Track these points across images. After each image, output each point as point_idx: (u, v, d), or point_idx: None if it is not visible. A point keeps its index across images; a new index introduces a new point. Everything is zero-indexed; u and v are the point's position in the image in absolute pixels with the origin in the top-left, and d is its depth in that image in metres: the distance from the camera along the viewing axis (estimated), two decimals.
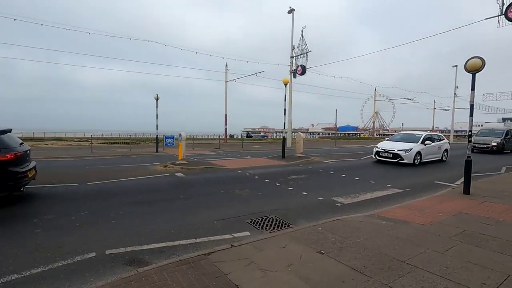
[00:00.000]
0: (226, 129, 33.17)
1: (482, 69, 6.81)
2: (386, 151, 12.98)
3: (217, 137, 41.23)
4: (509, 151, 20.51)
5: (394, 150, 12.61)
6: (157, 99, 17.32)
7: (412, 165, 12.39)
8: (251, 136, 62.13)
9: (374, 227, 4.57)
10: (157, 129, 17.90)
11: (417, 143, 12.91)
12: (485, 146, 19.45)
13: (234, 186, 7.68)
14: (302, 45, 24.80)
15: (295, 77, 25.49)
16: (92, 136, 21.70)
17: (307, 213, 5.54)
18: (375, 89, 51.41)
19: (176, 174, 9.18)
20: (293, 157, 13.88)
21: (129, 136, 26.12)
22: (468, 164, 7.05)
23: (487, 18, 12.61)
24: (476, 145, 19.61)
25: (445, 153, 14.83)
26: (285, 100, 13.51)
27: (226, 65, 32.01)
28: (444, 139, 15.18)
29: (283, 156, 13.65)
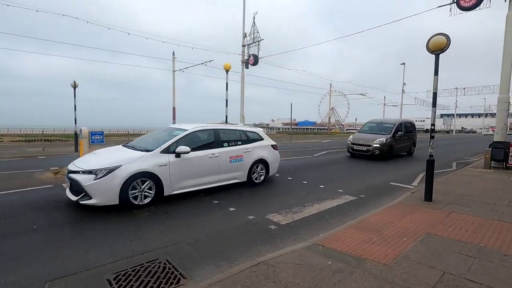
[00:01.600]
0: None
1: (447, 48, 5.54)
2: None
3: None
4: (403, 154, 14.02)
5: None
6: (74, 86, 14.21)
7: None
8: None
9: (313, 277, 2.87)
10: (75, 123, 14.78)
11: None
12: (364, 148, 12.00)
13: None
14: (254, 33, 23.02)
15: (247, 67, 23.67)
16: (7, 132, 17.68)
17: (224, 247, 3.69)
18: (330, 84, 52.01)
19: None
20: None
21: (53, 132, 22.11)
22: (430, 165, 5.81)
23: (439, 6, 11.92)
24: (355, 147, 12.47)
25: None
26: (226, 89, 11.57)
27: (173, 53, 29.08)
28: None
29: None
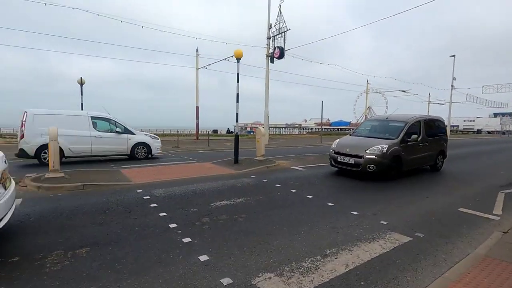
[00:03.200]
0: (197, 124, 29.13)
1: None
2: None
3: (192, 133, 37.21)
4: (415, 167, 9.13)
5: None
6: (81, 83, 13.23)
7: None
8: (231, 132, 58.16)
9: None
10: None
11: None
12: (351, 161, 7.99)
13: (83, 231, 3.81)
14: (280, 23, 20.84)
15: (272, 61, 21.56)
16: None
17: None
18: (367, 81, 47.78)
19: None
20: (250, 162, 10.03)
21: None
22: None
23: None
24: (338, 158, 8.37)
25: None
26: (237, 81, 9.61)
27: (197, 50, 27.90)
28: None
29: (236, 161, 9.79)
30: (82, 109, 13.39)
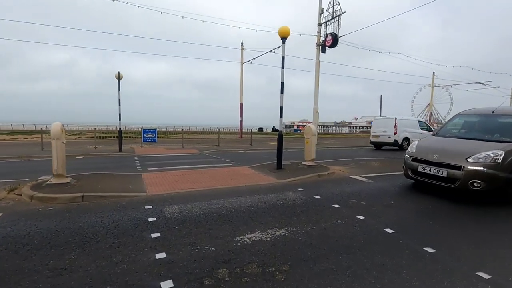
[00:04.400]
0: (241, 122, 27.92)
1: None
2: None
3: (237, 131, 36.28)
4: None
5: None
6: (119, 78, 12.61)
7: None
8: (277, 130, 56.12)
9: None
10: (119, 119, 13.23)
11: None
12: (443, 173, 5.47)
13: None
14: (333, 5, 18.30)
15: (323, 51, 19.14)
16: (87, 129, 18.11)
17: None
18: (434, 72, 41.75)
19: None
20: (297, 168, 8.06)
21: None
22: None
23: None
24: (420, 168, 5.88)
25: None
26: (282, 67, 7.69)
27: (242, 43, 26.61)
28: None
29: (279, 166, 7.89)
30: (119, 105, 12.80)
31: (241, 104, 27.44)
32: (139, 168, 8.45)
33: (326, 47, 18.81)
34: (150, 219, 4.07)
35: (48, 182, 5.41)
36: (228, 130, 39.75)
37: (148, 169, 8.27)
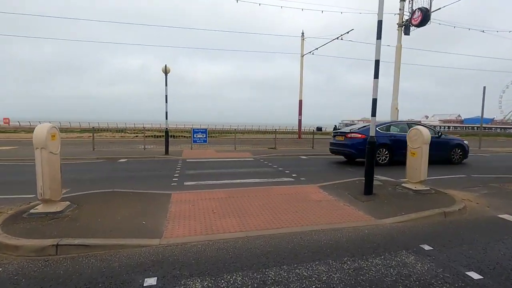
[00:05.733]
0: (300, 120, 25.22)
1: None
2: None
3: (295, 130, 33.63)
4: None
5: None
6: (165, 72, 11.21)
7: None
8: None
9: None
10: (166, 118, 11.86)
11: None
12: None
13: None
14: None
15: (407, 32, 15.33)
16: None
17: None
18: None
19: None
20: (396, 195, 5.23)
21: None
22: None
23: None
24: None
25: None
26: (378, 37, 4.92)
27: (303, 33, 23.84)
28: None
29: (368, 191, 5.12)
30: (166, 102, 11.45)
31: (300, 101, 24.73)
32: (175, 180, 6.64)
33: (412, 27, 14.98)
34: None
35: (33, 210, 3.76)
36: (284, 129, 37.31)
37: (185, 183, 6.39)
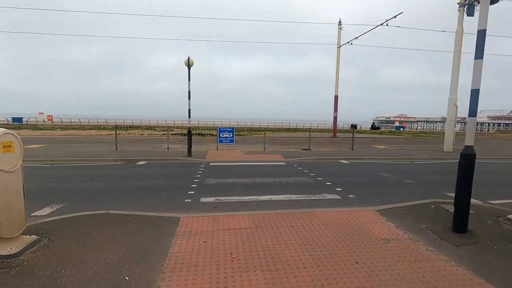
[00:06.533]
0: (335, 118, 23.18)
1: None
2: None
3: (328, 127, 31.49)
4: None
5: None
6: (188, 65, 10.10)
7: None
8: (377, 128, 47.46)
9: None
10: (189, 117, 10.77)
11: None
12: None
13: None
14: None
15: (470, 13, 12.82)
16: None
17: None
18: None
19: None
20: (505, 235, 3.53)
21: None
22: None
23: None
24: None
25: None
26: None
27: (340, 22, 21.71)
28: None
29: (461, 228, 3.47)
30: (189, 98, 10.37)
31: (336, 97, 22.69)
32: (191, 194, 5.44)
33: (477, 6, 12.45)
34: None
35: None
36: (316, 126, 35.17)
37: (202, 199, 5.14)
